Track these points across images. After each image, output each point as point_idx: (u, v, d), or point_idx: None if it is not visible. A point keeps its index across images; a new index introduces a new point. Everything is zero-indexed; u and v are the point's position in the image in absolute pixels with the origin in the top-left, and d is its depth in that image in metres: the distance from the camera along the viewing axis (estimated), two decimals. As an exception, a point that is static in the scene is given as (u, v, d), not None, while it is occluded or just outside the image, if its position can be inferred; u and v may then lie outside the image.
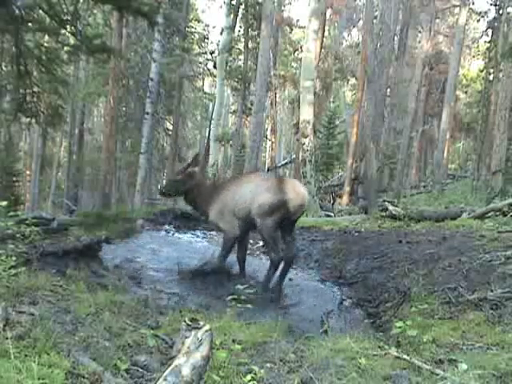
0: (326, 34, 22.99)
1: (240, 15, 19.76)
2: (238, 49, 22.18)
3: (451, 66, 20.65)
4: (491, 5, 19.46)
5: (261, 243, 6.46)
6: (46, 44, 7.01)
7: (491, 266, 4.06)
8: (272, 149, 27.36)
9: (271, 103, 24.48)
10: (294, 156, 20.07)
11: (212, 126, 17.93)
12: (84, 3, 8.53)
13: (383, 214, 8.18)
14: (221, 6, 20.10)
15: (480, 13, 22.37)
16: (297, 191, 4.75)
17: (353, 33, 28.93)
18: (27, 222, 4.70)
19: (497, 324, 3.02)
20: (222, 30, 17.14)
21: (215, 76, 19.00)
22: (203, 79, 27.52)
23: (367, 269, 5.32)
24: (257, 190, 4.77)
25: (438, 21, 25.25)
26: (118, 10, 7.30)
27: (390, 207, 8.14)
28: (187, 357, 1.92)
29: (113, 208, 12.54)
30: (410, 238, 5.91)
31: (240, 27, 21.23)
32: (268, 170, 23.18)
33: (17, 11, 5.59)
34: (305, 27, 12.77)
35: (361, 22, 23.07)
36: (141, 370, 2.25)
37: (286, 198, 4.62)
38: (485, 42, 22.81)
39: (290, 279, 5.27)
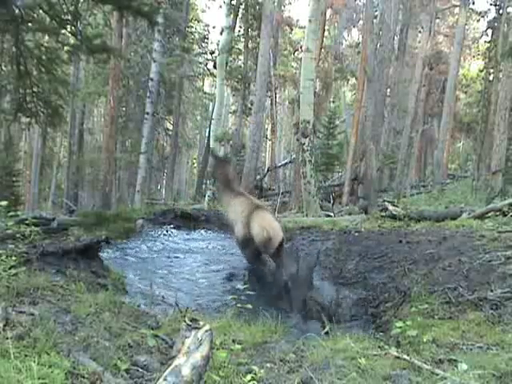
0: (326, 34, 22.99)
1: (240, 15, 19.76)
2: (238, 49, 22.18)
3: (451, 65, 20.66)
4: (491, 5, 19.49)
5: None
6: (46, 44, 7.00)
7: (491, 266, 4.05)
8: (272, 149, 27.37)
9: (271, 103, 24.48)
10: (294, 156, 20.06)
11: (212, 125, 17.92)
12: (84, 3, 8.51)
13: (383, 213, 8.18)
14: (221, 6, 20.06)
15: (480, 13, 22.39)
16: (262, 226, 4.64)
17: (353, 33, 28.96)
18: (27, 222, 4.70)
19: (497, 324, 3.02)
20: (222, 30, 17.10)
21: (215, 76, 18.97)
22: (203, 79, 27.53)
23: (367, 269, 5.31)
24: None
25: (438, 21, 25.26)
26: (118, 10, 7.30)
27: (390, 207, 8.14)
28: (187, 357, 1.92)
29: (113, 208, 12.55)
30: (410, 238, 5.90)
31: (240, 27, 21.23)
32: (268, 170, 23.19)
33: (17, 11, 5.58)
34: (305, 27, 12.76)
35: (361, 22, 23.05)
36: (141, 369, 2.25)
37: (251, 234, 4.62)
38: (485, 41, 22.81)
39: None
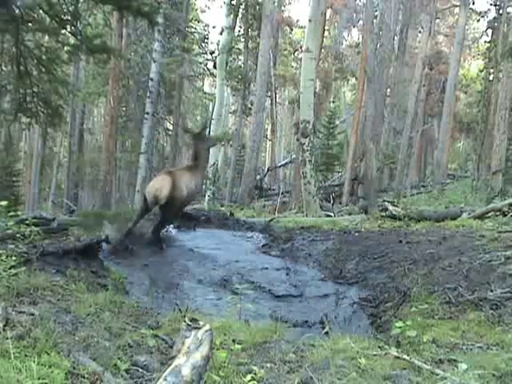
0: (326, 34, 22.99)
1: (240, 15, 19.76)
2: (238, 49, 22.17)
3: (451, 65, 20.67)
4: (491, 5, 19.47)
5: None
6: (46, 44, 6.99)
7: (491, 266, 4.05)
8: (272, 149, 27.37)
9: (271, 103, 24.47)
10: (294, 156, 20.07)
11: (212, 125, 17.91)
12: (84, 3, 8.51)
13: (383, 213, 8.19)
14: (221, 6, 20.08)
15: (480, 13, 22.37)
16: (150, 186, 6.51)
17: (353, 33, 28.89)
18: (27, 222, 4.69)
19: (497, 324, 3.02)
20: (222, 30, 17.13)
21: (215, 76, 18.99)
22: (203, 79, 27.50)
23: (367, 269, 5.31)
24: None
25: (438, 21, 25.25)
26: (119, 10, 7.30)
27: (390, 207, 8.15)
28: (187, 357, 1.92)
29: (113, 208, 12.55)
30: (410, 238, 5.90)
31: (240, 27, 21.23)
32: (268, 170, 23.22)
33: (17, 11, 5.58)
34: (305, 27, 12.76)
35: (361, 22, 23.04)
36: (141, 369, 2.25)
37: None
38: (485, 41, 22.81)
39: (288, 273, 5.31)
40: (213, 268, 5.75)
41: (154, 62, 16.60)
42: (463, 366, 2.16)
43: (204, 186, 18.10)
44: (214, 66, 19.07)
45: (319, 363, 2.42)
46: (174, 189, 6.28)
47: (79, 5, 6.51)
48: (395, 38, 19.52)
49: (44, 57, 6.09)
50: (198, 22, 23.94)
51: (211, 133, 17.59)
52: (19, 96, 6.31)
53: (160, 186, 6.35)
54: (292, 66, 29.26)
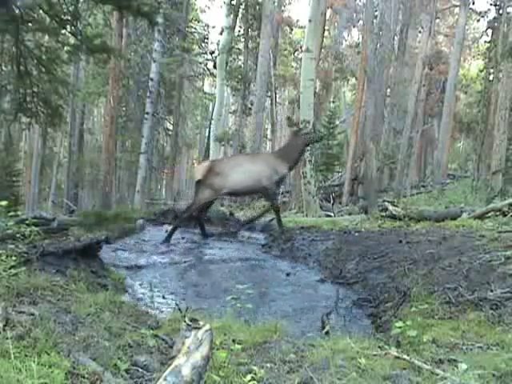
0: (326, 34, 22.99)
1: (240, 15, 19.75)
2: (238, 49, 22.18)
3: (451, 65, 20.68)
4: (491, 5, 19.47)
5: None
6: (46, 44, 7.00)
7: (491, 266, 4.05)
8: (272, 149, 27.35)
9: (271, 103, 24.47)
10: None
11: (212, 125, 17.94)
12: (84, 3, 8.53)
13: (383, 213, 8.18)
14: (221, 6, 20.08)
15: (480, 13, 22.37)
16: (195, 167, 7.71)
17: (353, 33, 28.88)
18: (27, 222, 4.68)
19: (497, 324, 3.02)
20: (222, 30, 17.12)
21: (215, 76, 18.99)
22: (203, 79, 27.52)
23: (367, 269, 5.31)
24: None
25: (438, 21, 25.26)
26: (119, 10, 7.32)
27: (390, 207, 8.14)
28: (187, 357, 1.92)
29: (113, 208, 12.56)
30: (410, 238, 5.90)
31: (240, 27, 21.23)
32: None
33: (17, 11, 5.58)
34: (305, 27, 12.76)
35: (361, 22, 23.03)
36: (141, 369, 2.25)
37: None
38: (485, 41, 22.81)
39: (288, 274, 5.31)
40: (212, 268, 5.76)
41: (154, 61, 16.62)
42: (463, 366, 2.16)
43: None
44: (214, 66, 19.07)
45: (319, 363, 2.42)
46: (207, 173, 6.90)
47: (79, 5, 6.52)
48: (395, 37, 19.53)
49: (44, 57, 6.10)
50: (198, 22, 23.97)
51: (211, 133, 17.66)
52: (19, 96, 6.32)
53: (198, 168, 7.37)
54: (292, 66, 29.27)
